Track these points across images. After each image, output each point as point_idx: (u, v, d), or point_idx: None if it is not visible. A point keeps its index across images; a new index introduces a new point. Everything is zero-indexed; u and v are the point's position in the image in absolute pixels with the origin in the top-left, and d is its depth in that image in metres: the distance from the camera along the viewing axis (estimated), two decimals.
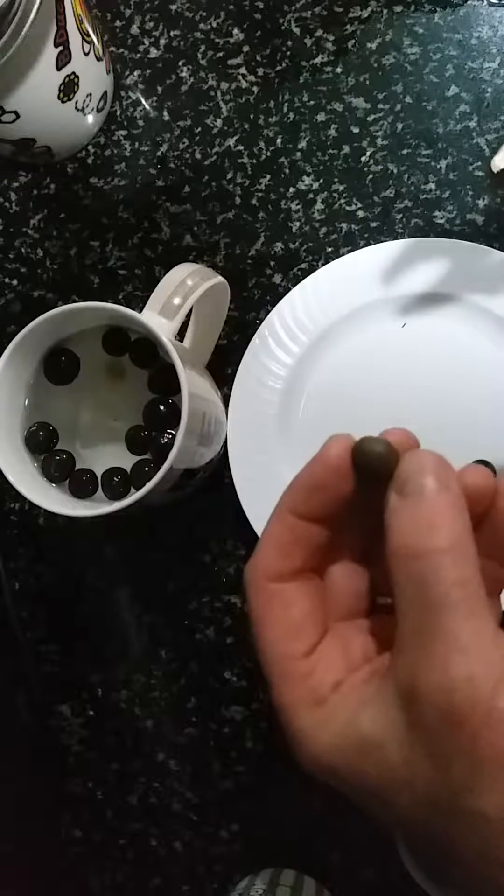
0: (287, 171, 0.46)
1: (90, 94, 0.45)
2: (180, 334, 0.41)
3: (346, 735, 0.21)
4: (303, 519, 0.23)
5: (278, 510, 0.23)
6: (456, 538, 0.20)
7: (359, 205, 0.45)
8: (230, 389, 0.43)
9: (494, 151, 0.44)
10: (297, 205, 0.46)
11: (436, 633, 0.19)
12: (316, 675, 0.22)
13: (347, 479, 0.22)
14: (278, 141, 0.46)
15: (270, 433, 0.43)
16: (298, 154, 0.46)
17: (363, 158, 0.45)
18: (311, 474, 0.23)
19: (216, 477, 0.45)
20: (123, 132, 0.48)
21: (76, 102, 0.44)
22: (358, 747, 0.20)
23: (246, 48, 0.47)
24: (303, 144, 0.46)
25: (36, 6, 0.35)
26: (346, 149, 0.45)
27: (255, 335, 0.43)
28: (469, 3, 0.45)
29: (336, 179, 0.45)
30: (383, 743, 0.20)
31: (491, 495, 0.23)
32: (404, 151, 0.45)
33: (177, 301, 0.37)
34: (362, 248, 0.43)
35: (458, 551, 0.20)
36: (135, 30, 0.48)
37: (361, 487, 0.22)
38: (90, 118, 0.46)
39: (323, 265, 0.43)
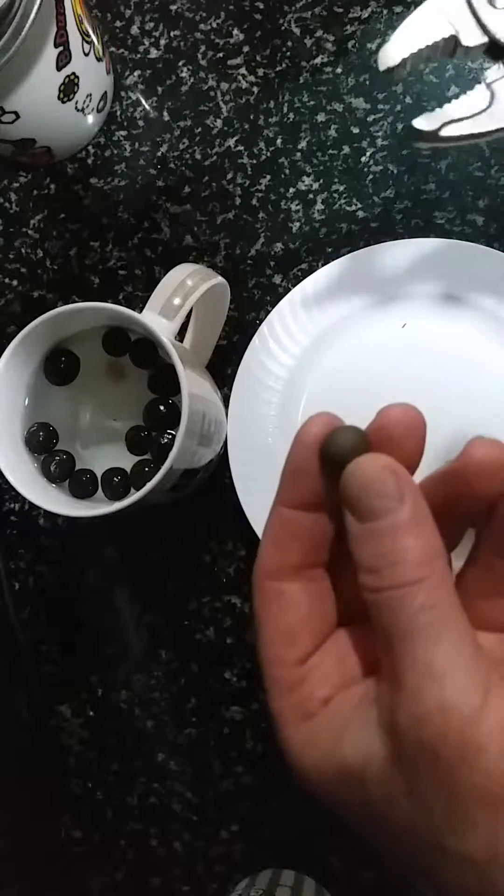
0: (287, 171, 0.46)
1: (90, 95, 0.45)
2: (180, 334, 0.41)
3: (329, 760, 0.19)
4: (293, 508, 0.21)
5: (273, 504, 0.22)
6: (417, 563, 0.19)
7: (359, 205, 0.45)
8: (230, 389, 0.43)
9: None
10: (297, 205, 0.46)
11: (407, 662, 0.18)
12: (306, 686, 0.21)
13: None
14: (278, 141, 0.46)
15: (270, 433, 0.43)
16: (298, 154, 0.46)
17: (363, 159, 0.45)
18: (291, 458, 0.21)
19: (216, 477, 0.45)
20: (123, 132, 0.48)
21: (76, 103, 0.44)
22: (339, 776, 0.19)
23: (246, 48, 0.47)
24: (303, 145, 0.46)
25: (36, 6, 0.35)
26: (346, 149, 0.45)
27: (255, 335, 0.43)
28: None
29: (336, 180, 0.45)
30: (363, 775, 0.19)
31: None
32: (404, 152, 0.45)
33: (177, 301, 0.37)
34: (362, 248, 0.43)
35: (422, 576, 0.18)
36: (135, 30, 0.48)
37: (331, 480, 0.21)
38: (90, 118, 0.47)
39: (323, 265, 0.43)
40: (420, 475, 0.21)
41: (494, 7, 0.20)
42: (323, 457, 0.21)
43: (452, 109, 0.20)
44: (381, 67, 0.21)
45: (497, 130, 0.21)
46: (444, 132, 0.20)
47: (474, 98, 0.20)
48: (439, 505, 0.21)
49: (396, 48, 0.21)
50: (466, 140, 0.21)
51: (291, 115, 0.46)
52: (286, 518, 0.21)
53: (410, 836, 0.18)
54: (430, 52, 0.21)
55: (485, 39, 0.20)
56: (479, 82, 0.20)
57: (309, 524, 0.21)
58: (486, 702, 0.18)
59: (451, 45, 0.21)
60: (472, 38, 0.20)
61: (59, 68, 0.40)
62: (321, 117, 0.46)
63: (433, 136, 0.20)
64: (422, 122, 0.20)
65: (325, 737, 0.20)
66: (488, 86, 0.20)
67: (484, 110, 0.20)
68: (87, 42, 0.42)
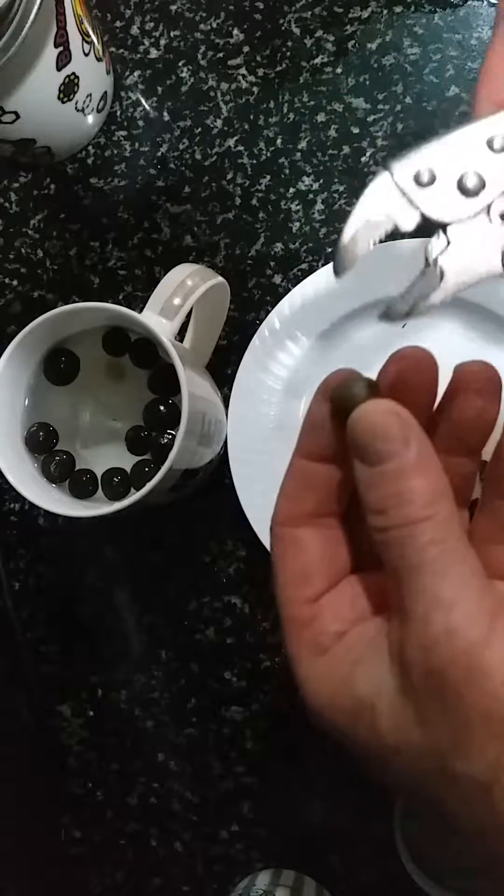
0: (287, 171, 0.46)
1: (90, 95, 0.45)
2: (180, 334, 0.41)
3: (342, 693, 0.20)
4: (308, 458, 0.22)
5: (292, 456, 0.23)
6: (424, 502, 0.19)
7: None
8: (230, 389, 0.43)
9: None
10: (297, 205, 0.46)
11: (416, 594, 0.19)
12: (318, 622, 0.21)
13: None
14: (278, 141, 0.46)
15: (270, 433, 0.43)
16: (298, 154, 0.46)
17: (363, 159, 0.45)
18: (309, 411, 0.22)
19: (216, 477, 0.45)
20: (123, 132, 0.48)
21: (76, 103, 0.44)
22: (351, 708, 0.20)
23: (246, 48, 0.47)
24: (303, 145, 0.46)
25: (36, 6, 0.35)
26: (346, 149, 0.45)
27: (255, 335, 0.43)
28: (469, 3, 0.45)
29: (336, 180, 0.45)
30: (374, 706, 0.19)
31: (497, 383, 0.22)
32: (404, 152, 0.45)
33: (177, 301, 0.37)
34: None
35: (429, 514, 0.19)
36: (135, 30, 0.48)
37: (341, 429, 0.21)
38: (90, 118, 0.47)
39: (323, 265, 0.43)
40: None
41: (421, 185, 0.20)
42: (332, 406, 0.21)
43: (411, 298, 0.21)
44: (339, 275, 0.22)
45: (456, 301, 0.22)
46: (413, 314, 0.21)
47: (425, 281, 0.21)
48: (447, 440, 0.22)
49: (349, 257, 0.21)
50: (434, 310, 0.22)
51: (291, 115, 0.46)
52: (302, 468, 0.23)
53: (420, 764, 0.19)
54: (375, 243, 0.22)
55: (419, 219, 0.21)
56: (427, 263, 0.21)
57: (323, 474, 0.22)
58: (493, 629, 0.18)
59: (392, 230, 0.22)
60: (409, 222, 0.21)
61: (59, 68, 0.40)
62: (321, 117, 0.46)
63: (403, 318, 0.21)
64: (388, 315, 0.21)
65: (338, 671, 0.20)
66: (435, 262, 0.21)
67: (436, 289, 0.21)
68: (87, 42, 0.42)
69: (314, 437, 0.22)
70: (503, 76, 0.22)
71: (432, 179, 0.20)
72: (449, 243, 0.21)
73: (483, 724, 0.18)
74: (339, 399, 0.21)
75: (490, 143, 0.20)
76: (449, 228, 0.21)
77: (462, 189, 0.20)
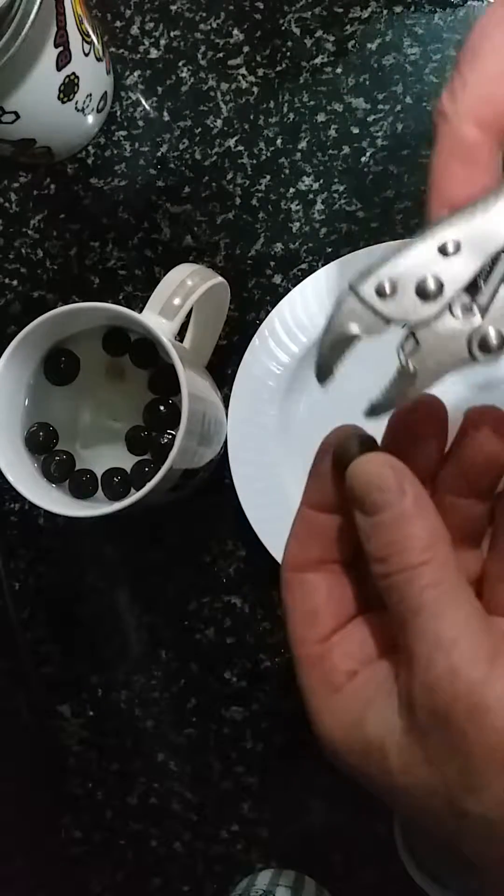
0: (287, 171, 0.46)
1: (90, 95, 0.45)
2: (180, 334, 0.41)
3: (353, 733, 0.21)
4: (313, 508, 0.23)
5: (300, 504, 0.24)
6: (422, 548, 0.20)
7: (359, 205, 0.45)
8: (230, 389, 0.43)
9: None
10: (297, 205, 0.46)
11: (418, 636, 0.19)
12: (328, 660, 0.22)
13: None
14: (278, 141, 0.46)
15: (270, 433, 0.43)
16: (298, 154, 0.46)
17: (363, 159, 0.45)
18: (313, 465, 0.23)
19: (216, 477, 0.45)
20: (123, 132, 0.48)
21: (76, 103, 0.44)
22: (361, 748, 0.20)
23: (246, 48, 0.47)
24: (303, 145, 0.46)
25: (36, 7, 0.35)
26: (346, 149, 0.45)
27: (255, 335, 0.43)
28: (469, 3, 0.45)
29: (336, 180, 0.45)
30: (383, 747, 0.20)
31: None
32: (404, 152, 0.45)
33: (177, 301, 0.37)
34: (362, 248, 0.43)
35: (427, 559, 0.20)
36: (135, 30, 0.48)
37: (342, 481, 0.23)
38: (90, 118, 0.47)
39: (323, 265, 0.43)
40: None
41: (383, 297, 0.22)
42: (333, 461, 0.23)
43: (391, 396, 0.23)
44: (322, 384, 0.23)
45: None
46: (393, 409, 0.23)
47: (401, 381, 0.23)
48: (457, 482, 0.23)
49: (328, 369, 0.23)
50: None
51: (291, 115, 0.46)
52: (308, 518, 0.24)
53: (430, 802, 0.19)
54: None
55: (386, 327, 0.23)
56: (400, 364, 0.23)
57: (327, 523, 0.23)
58: (493, 668, 0.19)
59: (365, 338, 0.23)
60: (377, 330, 0.23)
61: (59, 68, 0.40)
62: (321, 117, 0.46)
63: (385, 413, 0.23)
64: (373, 412, 0.23)
65: (350, 711, 0.21)
66: (407, 363, 0.22)
67: (412, 386, 0.22)
68: (87, 42, 0.42)
69: (318, 489, 0.23)
70: (450, 180, 0.23)
71: (394, 290, 0.22)
72: (418, 344, 0.22)
73: (488, 760, 0.18)
74: (338, 454, 0.23)
75: (443, 250, 0.21)
76: (416, 332, 0.22)
77: (422, 295, 0.22)
